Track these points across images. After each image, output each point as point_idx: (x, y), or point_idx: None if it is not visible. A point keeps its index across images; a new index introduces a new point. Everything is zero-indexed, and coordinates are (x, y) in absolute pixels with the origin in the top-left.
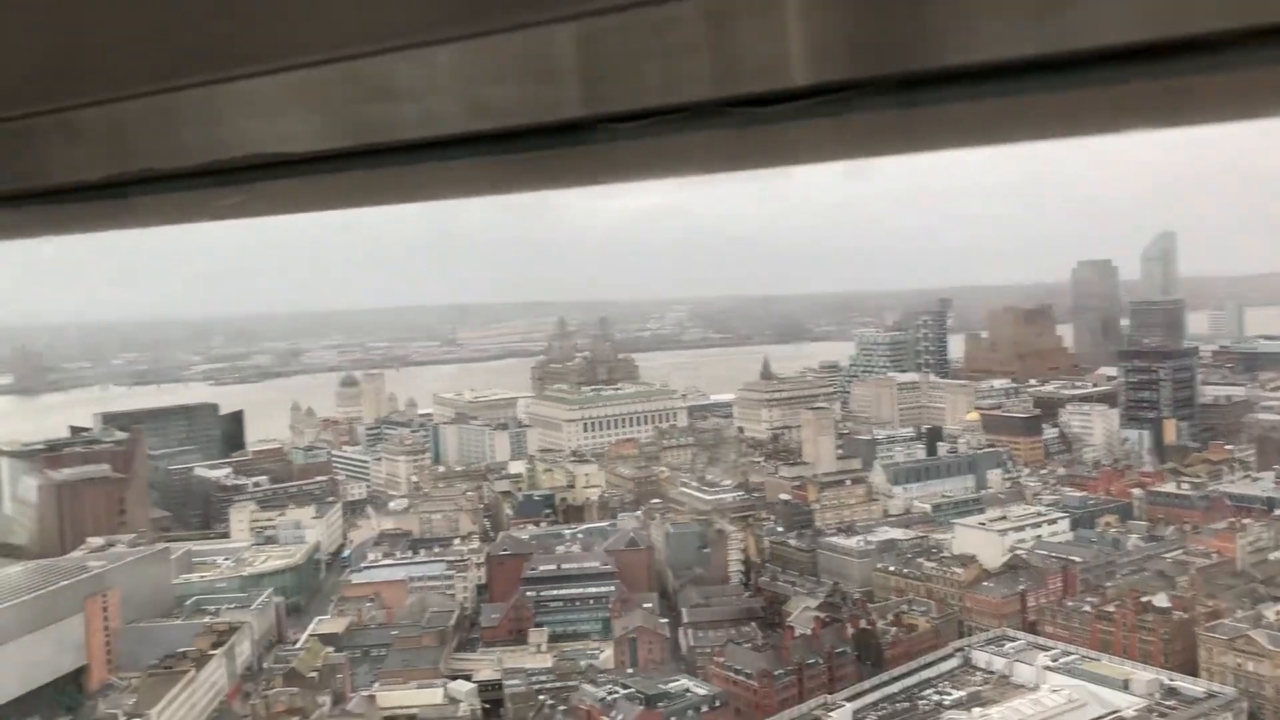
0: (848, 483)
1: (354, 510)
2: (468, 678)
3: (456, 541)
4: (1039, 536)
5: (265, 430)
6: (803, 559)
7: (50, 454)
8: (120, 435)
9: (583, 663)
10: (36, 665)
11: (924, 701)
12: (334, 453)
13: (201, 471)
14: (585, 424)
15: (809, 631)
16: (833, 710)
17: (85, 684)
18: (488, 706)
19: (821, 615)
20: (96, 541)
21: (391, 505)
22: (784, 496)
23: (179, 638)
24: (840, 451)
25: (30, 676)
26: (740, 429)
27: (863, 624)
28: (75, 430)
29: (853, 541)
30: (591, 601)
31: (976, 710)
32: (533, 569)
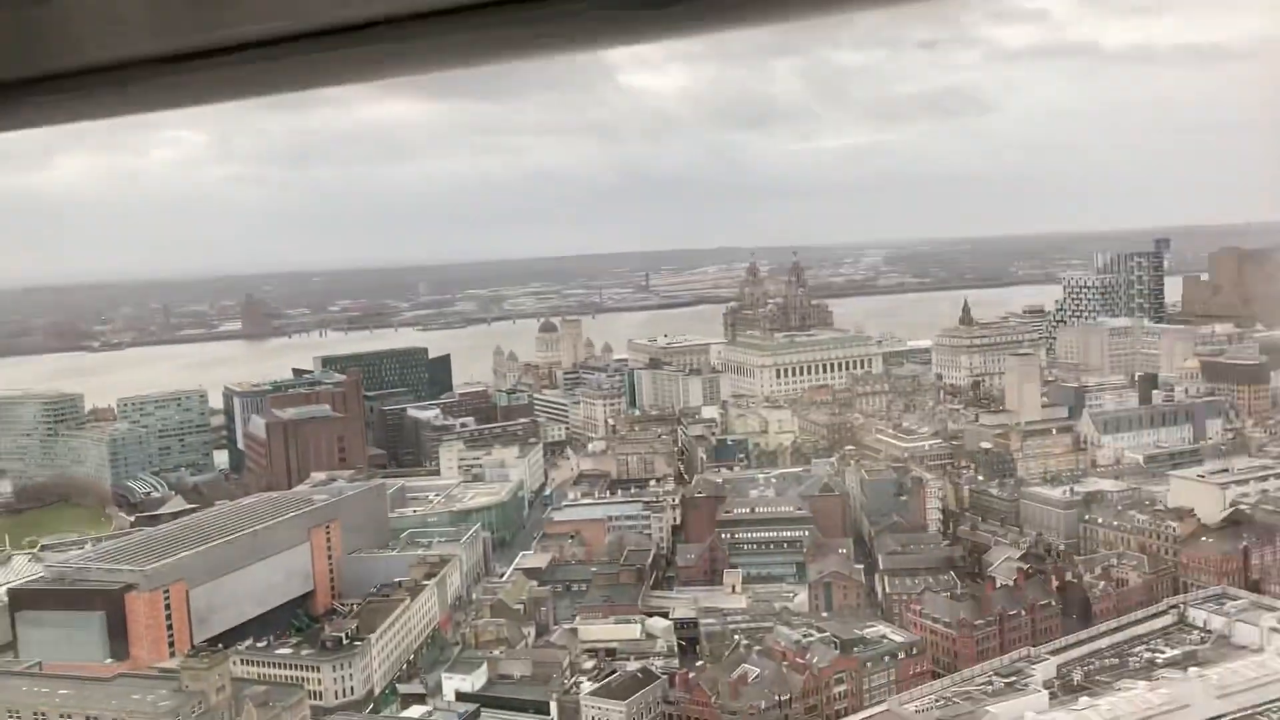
0: (1053, 431)
1: (554, 451)
2: (665, 615)
3: (652, 483)
4: (1265, 491)
5: (470, 373)
6: (1004, 508)
7: (276, 394)
8: (338, 377)
9: (777, 605)
10: (270, 589)
11: (1134, 658)
12: (534, 396)
13: (413, 412)
14: (778, 370)
15: (1011, 582)
16: (1036, 663)
17: (311, 608)
18: (684, 644)
19: (1024, 566)
20: (319, 476)
21: (590, 447)
22: (985, 445)
23: (395, 568)
24: (1045, 399)
25: (264, 600)
26: (939, 375)
27: (1068, 577)
28: (298, 373)
29: (1058, 492)
30: (786, 545)
31: (1193, 670)
32: (727, 512)
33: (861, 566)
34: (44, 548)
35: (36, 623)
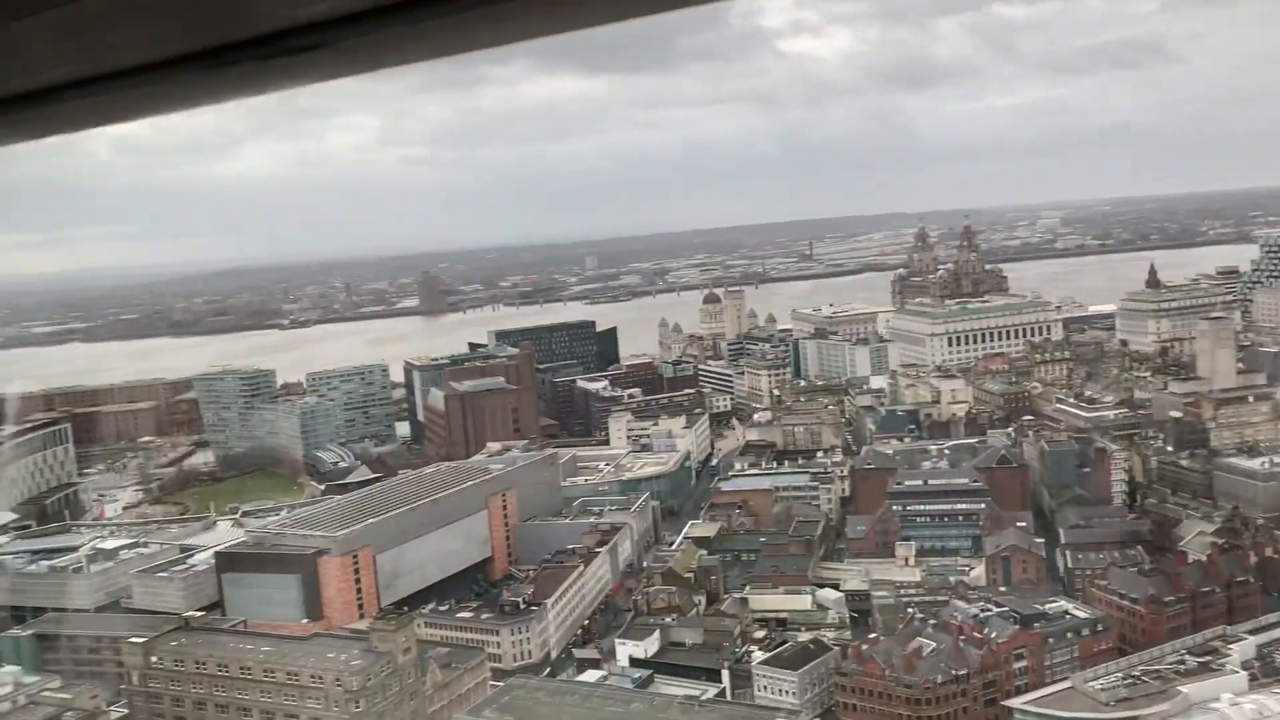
0: (1250, 399)
1: (719, 422)
2: (835, 586)
3: (819, 454)
4: None
5: (636, 346)
6: (1196, 480)
7: (453, 368)
8: (511, 351)
9: (952, 578)
10: (450, 555)
11: None
12: (699, 367)
13: (582, 384)
14: (950, 338)
15: (1204, 558)
16: (1233, 642)
17: (490, 574)
18: (855, 615)
19: (1219, 541)
20: (495, 446)
21: (755, 417)
22: (1174, 414)
23: (568, 535)
24: (1241, 365)
25: (445, 565)
26: (1123, 342)
27: (1268, 552)
28: (473, 347)
29: (1256, 463)
30: (961, 518)
31: None
32: (898, 484)
33: (1042, 540)
34: (245, 514)
35: (240, 584)
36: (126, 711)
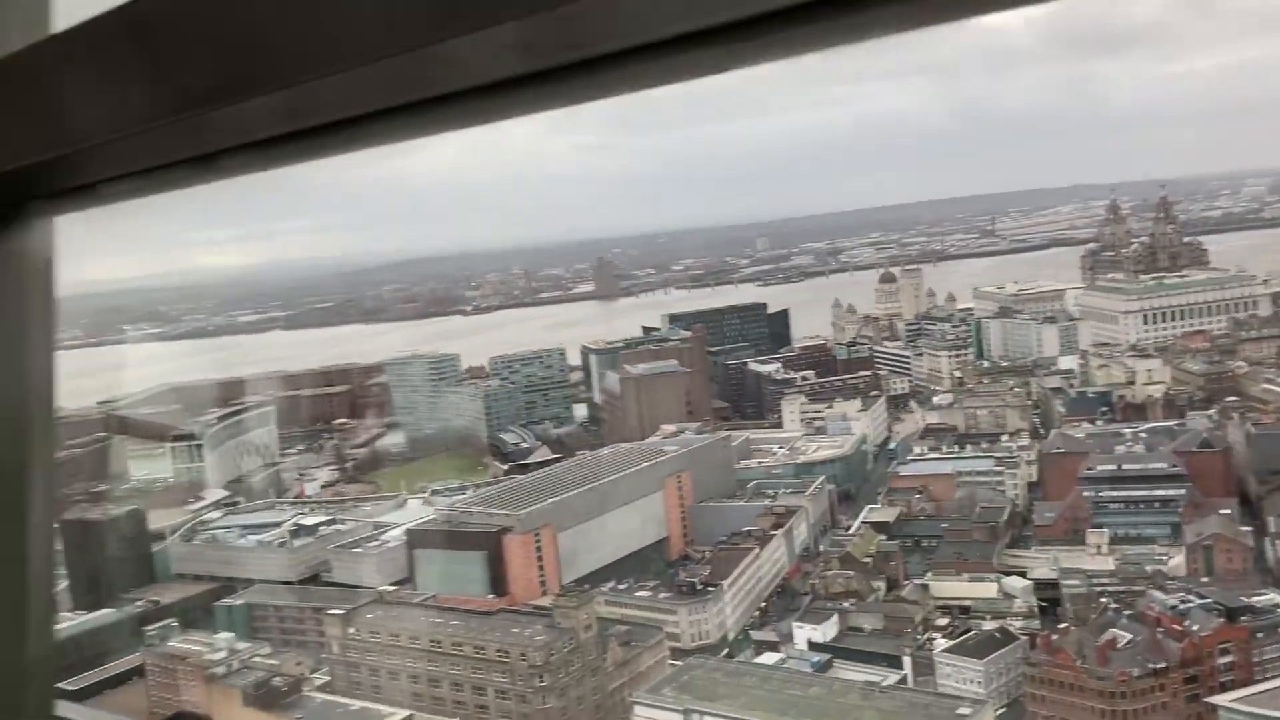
0: None
1: (897, 404)
2: (1022, 574)
3: (1004, 438)
4: None
5: (809, 327)
6: None
7: (628, 351)
8: (684, 334)
9: (1149, 568)
10: (627, 535)
11: None
12: (875, 348)
13: (754, 366)
14: (1145, 315)
15: None
16: None
17: (666, 554)
18: (1044, 604)
19: None
20: (669, 428)
21: (935, 400)
22: None
23: (742, 517)
24: None
25: (622, 545)
26: None
27: None
28: (647, 330)
29: None
30: (1158, 505)
31: None
32: (1090, 468)
33: (1248, 529)
34: (433, 492)
35: (429, 560)
36: (328, 679)
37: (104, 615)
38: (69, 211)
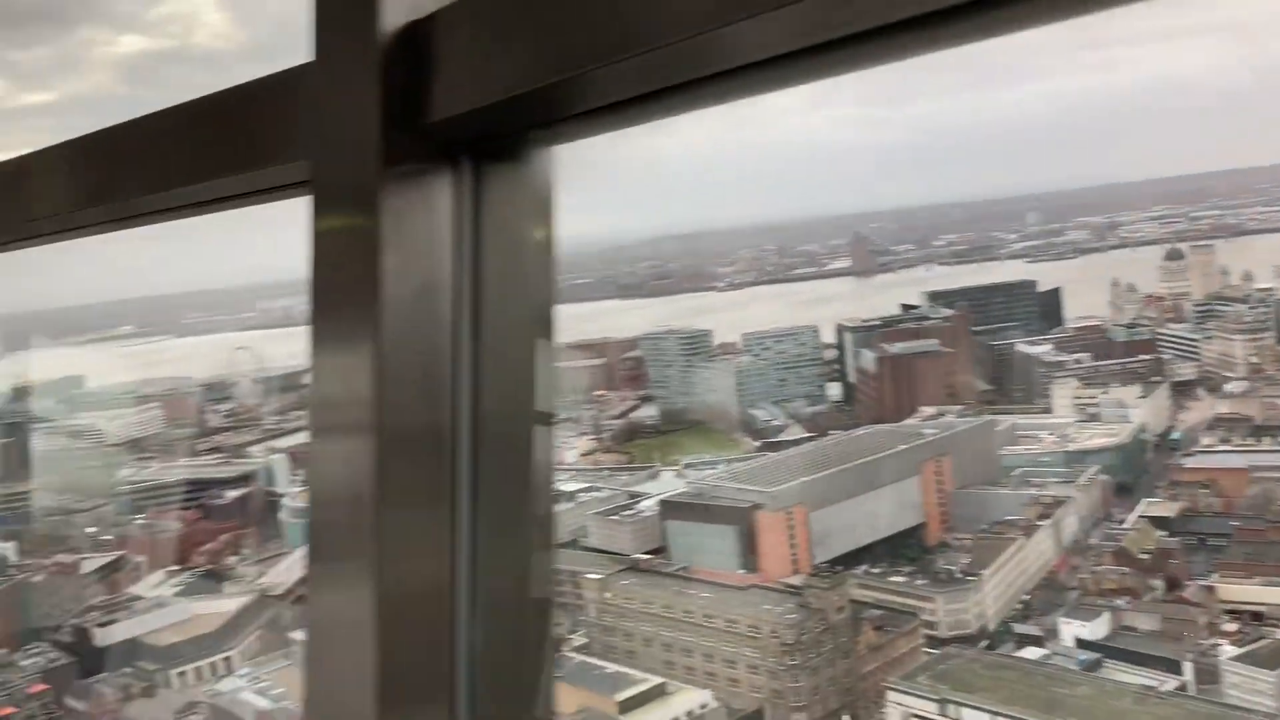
0: None
1: (1181, 391)
2: None
3: None
4: None
5: (1083, 307)
6: None
7: (885, 329)
8: (946, 312)
9: None
10: (881, 518)
11: None
12: (1158, 330)
13: (1022, 348)
14: None
15: None
16: None
17: (923, 539)
18: None
19: None
20: (928, 410)
21: (1227, 388)
22: None
23: (1006, 505)
24: None
25: (876, 527)
26: None
27: None
28: (905, 308)
29: None
30: None
31: None
32: None
33: None
34: (686, 465)
35: (682, 531)
36: (585, 640)
37: None
38: (569, 140)
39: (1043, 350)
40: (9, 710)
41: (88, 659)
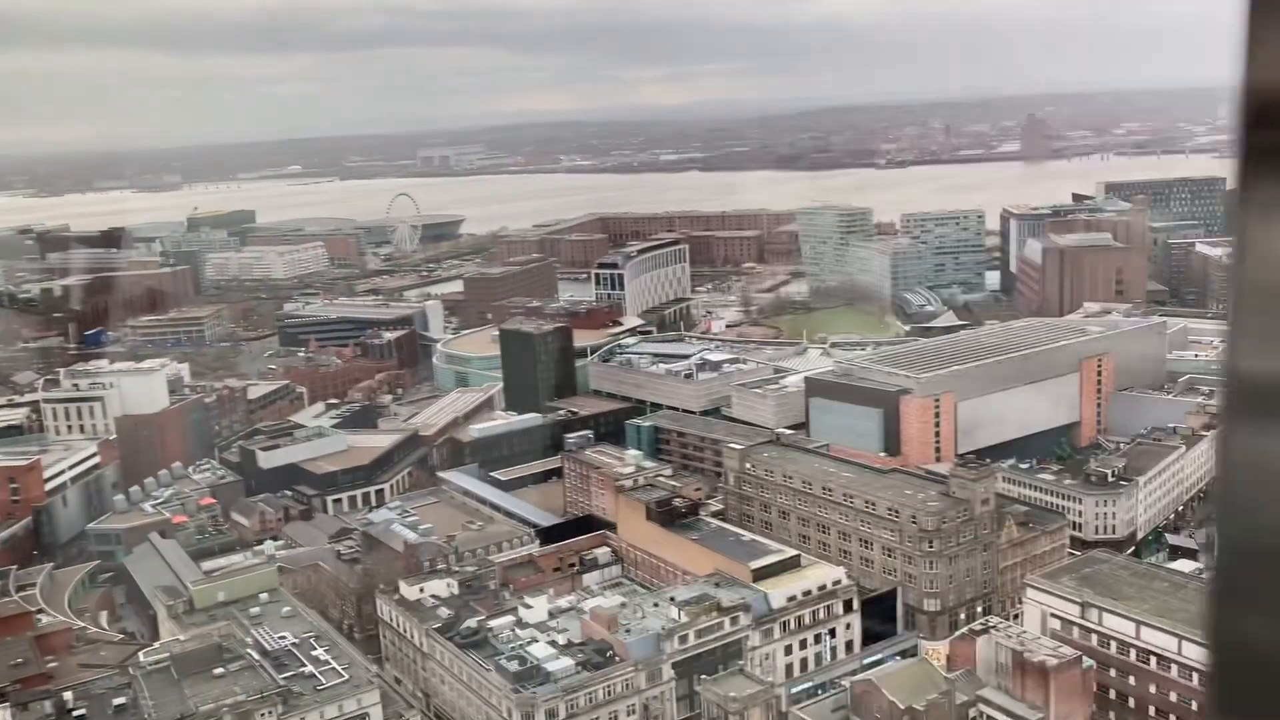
0: None
1: None
2: None
3: None
4: None
5: None
6: None
7: (1055, 219)
8: (1122, 205)
9: None
10: (1033, 414)
11: None
12: None
13: (1201, 248)
14: None
15: None
16: None
17: (1075, 439)
18: None
19: None
20: (1092, 307)
21: None
22: None
23: (1168, 412)
24: None
25: (1026, 423)
26: None
27: None
28: (1077, 198)
29: None
30: None
31: None
32: None
33: None
34: (833, 345)
35: (825, 410)
36: (721, 507)
37: (531, 418)
38: None
39: (1224, 252)
40: (182, 518)
41: (252, 479)
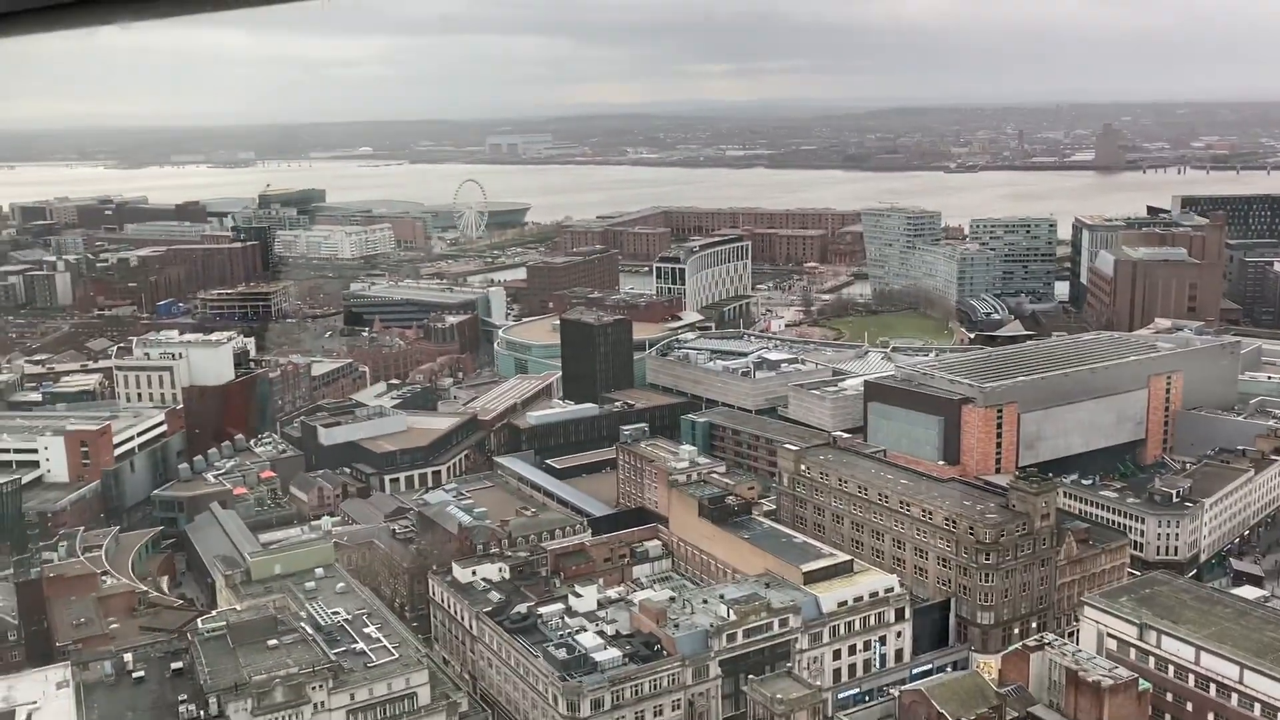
0: None
1: None
2: None
3: None
4: None
5: None
6: None
7: (1129, 231)
8: (1198, 220)
9: None
10: (1098, 429)
11: None
12: None
13: (1279, 267)
14: None
15: None
16: None
17: (1139, 457)
18: None
19: None
20: (1164, 323)
21: None
22: None
23: (1238, 434)
24: None
25: (1090, 438)
26: None
27: None
28: (1152, 211)
29: None
30: None
31: None
32: None
33: None
34: (895, 349)
35: (884, 414)
36: (773, 507)
37: (587, 408)
38: None
39: None
40: (242, 490)
41: (312, 454)
